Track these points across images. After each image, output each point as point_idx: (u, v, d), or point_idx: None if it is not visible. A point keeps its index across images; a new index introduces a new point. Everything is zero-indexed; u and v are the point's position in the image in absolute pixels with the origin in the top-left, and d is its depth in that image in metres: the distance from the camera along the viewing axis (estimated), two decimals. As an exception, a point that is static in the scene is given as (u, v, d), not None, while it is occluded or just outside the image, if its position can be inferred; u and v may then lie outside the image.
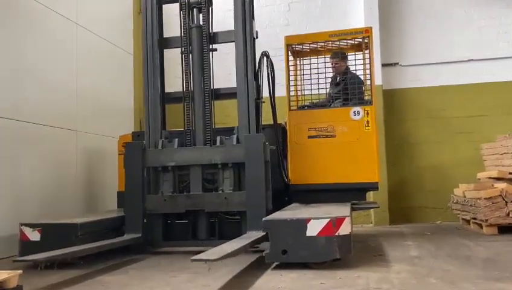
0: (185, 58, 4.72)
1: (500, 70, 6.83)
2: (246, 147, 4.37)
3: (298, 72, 5.67)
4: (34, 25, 5.36)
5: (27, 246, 4.00)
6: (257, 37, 4.80)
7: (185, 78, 4.70)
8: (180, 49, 4.77)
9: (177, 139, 4.62)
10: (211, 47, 4.73)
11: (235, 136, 4.53)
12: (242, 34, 4.59)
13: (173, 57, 5.18)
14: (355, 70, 5.36)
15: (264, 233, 3.61)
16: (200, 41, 4.69)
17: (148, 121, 4.70)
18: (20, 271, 2.73)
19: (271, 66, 5.03)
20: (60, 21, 5.84)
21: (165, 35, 5.05)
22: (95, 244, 3.97)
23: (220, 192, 4.44)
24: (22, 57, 5.14)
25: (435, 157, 6.92)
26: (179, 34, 4.81)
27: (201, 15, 4.75)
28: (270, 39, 5.94)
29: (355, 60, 5.33)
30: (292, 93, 5.39)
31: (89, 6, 6.42)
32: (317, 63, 5.25)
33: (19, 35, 5.11)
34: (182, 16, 4.77)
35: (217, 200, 4.40)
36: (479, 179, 6.14)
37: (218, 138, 4.57)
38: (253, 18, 4.69)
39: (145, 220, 4.48)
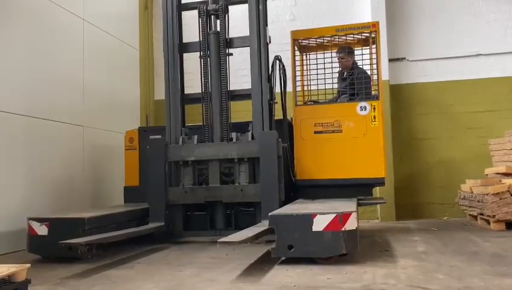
0: (203, 62, 5.03)
1: (510, 65, 6.76)
2: (260, 143, 4.66)
3: (304, 67, 5.65)
4: (41, 21, 5.38)
5: (35, 241, 4.04)
6: (270, 42, 5.01)
7: (204, 80, 5.00)
8: (198, 53, 5.06)
9: (196, 136, 4.91)
10: (227, 52, 5.01)
11: (249, 133, 4.81)
12: (256, 40, 4.87)
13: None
14: (362, 65, 5.33)
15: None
16: (217, 46, 4.99)
17: (170, 120, 5.02)
18: (28, 265, 2.75)
19: (283, 69, 5.25)
20: (67, 17, 5.86)
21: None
22: (126, 231, 4.31)
23: (236, 184, 4.76)
24: (30, 53, 5.16)
25: (443, 152, 6.87)
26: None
27: (218, 22, 5.01)
28: (276, 34, 5.92)
29: (362, 54, 5.30)
30: (298, 88, 5.38)
31: (95, 1, 6.43)
32: (324, 58, 5.23)
33: (26, 32, 5.13)
34: (200, 22, 5.03)
35: (234, 192, 4.71)
36: (487, 174, 6.10)
37: (234, 135, 4.85)
38: (266, 25, 4.93)
39: (167, 212, 4.81)
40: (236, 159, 4.74)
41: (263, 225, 4.03)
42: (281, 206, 4.37)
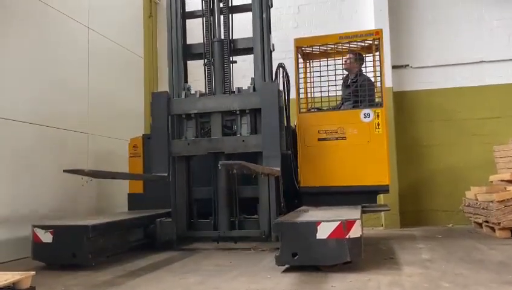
0: (207, 69, 5.04)
1: (513, 72, 6.76)
2: (262, 95, 4.65)
3: (308, 75, 5.67)
4: (46, 29, 5.43)
5: (39, 248, 4.04)
6: (273, 50, 5.02)
7: (208, 88, 5.02)
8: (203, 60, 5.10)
9: (198, 91, 4.94)
10: (231, 59, 5.04)
11: (251, 86, 4.84)
12: (260, 47, 4.88)
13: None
14: (366, 72, 5.34)
15: (279, 169, 4.13)
16: (221, 54, 5.00)
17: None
18: (33, 272, 2.77)
19: (286, 77, 5.26)
20: (72, 24, 5.91)
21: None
22: (131, 174, 4.59)
23: (238, 135, 4.75)
24: (35, 61, 5.20)
25: (447, 159, 6.85)
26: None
27: (222, 29, 5.03)
28: (279, 41, 5.94)
29: (365, 62, 5.31)
30: (302, 95, 5.39)
31: (100, 10, 6.49)
32: (327, 66, 5.24)
33: (32, 40, 5.17)
34: (204, 30, 5.06)
35: (236, 143, 4.72)
36: (491, 181, 6.07)
37: (236, 88, 4.89)
38: (270, 32, 4.95)
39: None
40: (238, 111, 4.73)
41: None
42: (281, 156, 4.47)
